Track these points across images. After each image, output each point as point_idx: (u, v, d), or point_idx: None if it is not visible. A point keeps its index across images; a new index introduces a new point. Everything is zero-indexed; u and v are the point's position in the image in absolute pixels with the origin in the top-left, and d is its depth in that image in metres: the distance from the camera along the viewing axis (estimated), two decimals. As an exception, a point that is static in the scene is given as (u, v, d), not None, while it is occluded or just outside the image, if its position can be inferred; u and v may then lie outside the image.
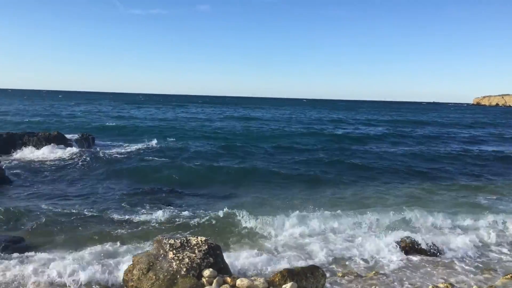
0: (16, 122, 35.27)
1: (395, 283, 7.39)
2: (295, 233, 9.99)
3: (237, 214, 10.64)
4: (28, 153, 18.75)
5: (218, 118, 53.56)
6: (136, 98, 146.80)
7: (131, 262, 7.37)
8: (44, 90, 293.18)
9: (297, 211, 10.94)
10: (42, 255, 7.96)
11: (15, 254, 7.95)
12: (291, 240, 9.50)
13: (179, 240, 6.96)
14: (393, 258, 8.62)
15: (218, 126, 40.13)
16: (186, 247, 6.82)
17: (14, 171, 15.33)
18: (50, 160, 17.84)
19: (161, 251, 6.81)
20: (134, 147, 22.89)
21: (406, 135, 36.11)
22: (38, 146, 19.37)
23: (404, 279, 7.60)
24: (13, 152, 18.77)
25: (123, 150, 21.52)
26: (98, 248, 8.46)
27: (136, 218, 10.52)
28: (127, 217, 10.65)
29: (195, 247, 6.83)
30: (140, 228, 9.86)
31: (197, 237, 7.12)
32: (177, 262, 6.51)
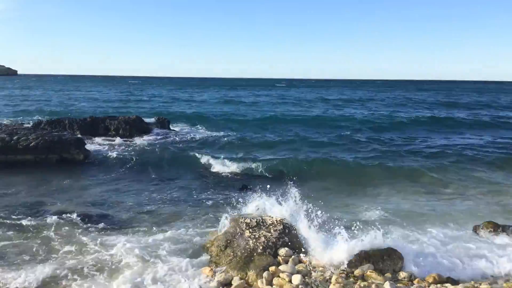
0: (95, 107, 37.64)
1: None
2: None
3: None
4: (110, 136, 19.99)
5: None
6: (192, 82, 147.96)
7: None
8: (118, 76, 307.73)
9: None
10: (134, 230, 8.54)
11: (101, 227, 8.60)
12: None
13: (255, 220, 7.13)
14: None
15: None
16: (262, 227, 6.99)
17: (98, 153, 16.39)
18: (131, 142, 18.85)
19: (238, 230, 7.04)
20: (209, 132, 23.30)
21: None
22: (119, 129, 20.54)
23: None
24: (97, 135, 20.06)
25: (199, 135, 22.06)
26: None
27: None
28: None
29: (271, 226, 6.97)
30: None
31: (272, 217, 7.26)
32: (254, 240, 6.70)
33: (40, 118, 24.02)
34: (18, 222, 8.90)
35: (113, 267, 6.79)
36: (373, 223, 7.15)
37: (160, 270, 6.58)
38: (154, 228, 8.65)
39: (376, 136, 22.45)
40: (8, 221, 8.98)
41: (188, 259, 6.93)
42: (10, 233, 8.31)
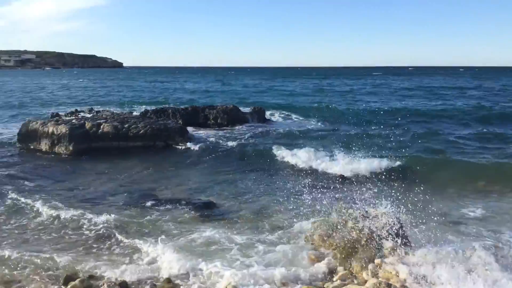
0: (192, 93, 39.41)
1: None
2: None
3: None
4: (209, 125, 20.95)
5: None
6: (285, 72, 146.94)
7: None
8: (214, 67, 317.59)
9: None
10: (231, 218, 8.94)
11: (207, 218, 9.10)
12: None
13: (359, 211, 7.09)
14: None
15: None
16: (366, 218, 6.92)
17: (199, 141, 17.22)
18: (228, 131, 19.56)
19: (341, 220, 7.05)
20: (305, 123, 23.15)
21: None
22: (217, 118, 21.40)
23: None
24: (196, 124, 21.09)
25: (295, 127, 21.88)
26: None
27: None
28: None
29: (375, 218, 6.87)
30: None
31: (376, 209, 7.15)
32: (357, 231, 6.67)
33: (147, 107, 25.65)
34: (137, 203, 9.77)
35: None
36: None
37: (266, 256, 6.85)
38: (256, 216, 8.97)
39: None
40: (123, 203, 9.88)
41: (290, 245, 7.13)
42: (132, 212, 9.15)
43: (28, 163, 13.94)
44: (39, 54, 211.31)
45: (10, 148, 15.92)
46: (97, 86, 58.27)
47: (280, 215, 8.97)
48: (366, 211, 7.11)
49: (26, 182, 11.61)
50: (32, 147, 15.70)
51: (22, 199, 9.92)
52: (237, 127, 20.65)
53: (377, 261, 6.02)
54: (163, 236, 7.73)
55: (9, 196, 10.18)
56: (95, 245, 7.56)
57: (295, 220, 8.47)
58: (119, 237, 7.82)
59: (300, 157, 14.07)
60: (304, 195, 9.20)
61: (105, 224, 8.39)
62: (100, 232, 8.10)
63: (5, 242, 7.61)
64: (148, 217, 8.93)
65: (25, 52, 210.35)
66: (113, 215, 8.84)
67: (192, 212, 9.26)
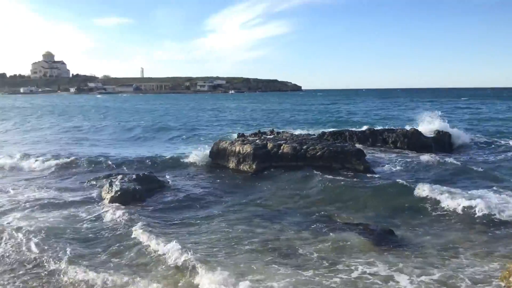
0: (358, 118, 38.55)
1: None
2: None
3: None
4: (388, 149, 20.14)
5: None
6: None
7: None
8: (399, 89, 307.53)
9: None
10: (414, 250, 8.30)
11: (389, 245, 8.61)
12: None
13: None
14: None
15: None
16: None
17: (377, 165, 16.71)
18: (407, 157, 18.48)
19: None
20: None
21: None
22: (396, 142, 20.48)
23: None
24: (374, 147, 20.51)
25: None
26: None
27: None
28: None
29: None
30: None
31: None
32: None
33: (323, 130, 26.04)
34: (313, 226, 9.86)
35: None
36: None
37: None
38: (442, 253, 8.17)
39: None
40: (299, 222, 10.05)
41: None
42: (307, 234, 9.26)
43: (217, 177, 15.49)
44: (229, 79, 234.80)
45: (203, 163, 17.81)
46: (275, 109, 61.80)
47: (469, 252, 8.00)
48: None
49: (217, 192, 12.85)
50: (221, 164, 17.30)
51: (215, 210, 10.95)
52: (417, 154, 19.00)
53: None
54: (339, 266, 7.58)
55: (205, 200, 11.36)
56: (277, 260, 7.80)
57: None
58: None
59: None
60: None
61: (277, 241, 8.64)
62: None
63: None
64: (322, 238, 8.90)
65: (217, 78, 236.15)
66: (291, 232, 9.05)
67: (370, 239, 8.89)
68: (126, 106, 79.32)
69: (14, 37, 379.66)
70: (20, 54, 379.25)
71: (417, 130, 21.60)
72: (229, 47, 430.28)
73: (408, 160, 17.76)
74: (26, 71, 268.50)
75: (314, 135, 23.54)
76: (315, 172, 15.14)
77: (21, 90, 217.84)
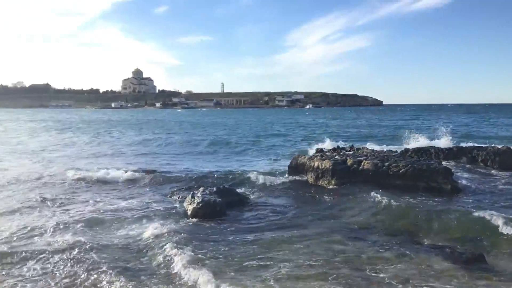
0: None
1: None
2: None
3: None
4: (477, 168, 18.88)
5: None
6: None
7: None
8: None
9: None
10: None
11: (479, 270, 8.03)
12: None
13: None
14: None
15: None
16: None
17: (467, 185, 15.73)
18: (500, 176, 17.22)
19: None
20: None
21: None
22: (486, 161, 19.18)
23: None
24: (461, 164, 19.37)
25: None
26: None
27: None
28: None
29: None
30: None
31: None
32: None
33: (407, 147, 25.07)
34: (395, 246, 9.48)
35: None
36: None
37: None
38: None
39: None
40: (381, 242, 9.70)
41: None
42: (388, 254, 8.93)
43: (296, 192, 15.50)
44: (307, 94, 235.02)
45: (281, 177, 17.88)
46: (352, 123, 60.62)
47: None
48: None
49: (295, 208, 12.83)
50: (299, 178, 17.26)
51: (294, 226, 10.93)
52: (510, 174, 17.68)
53: None
54: None
55: (284, 215, 11.35)
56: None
57: None
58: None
59: None
60: None
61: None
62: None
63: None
64: (406, 259, 8.51)
65: (295, 93, 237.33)
66: (372, 251, 8.77)
67: (458, 263, 8.35)
68: (205, 120, 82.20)
69: (107, 56, 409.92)
70: (112, 71, 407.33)
71: (510, 149, 20.07)
72: (308, 62, 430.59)
73: (499, 180, 16.56)
74: (117, 87, 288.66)
75: (396, 151, 22.74)
76: (398, 190, 14.58)
77: (112, 104, 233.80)
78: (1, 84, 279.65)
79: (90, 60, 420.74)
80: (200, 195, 12.74)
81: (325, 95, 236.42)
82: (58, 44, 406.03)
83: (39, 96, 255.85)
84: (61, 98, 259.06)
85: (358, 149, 24.41)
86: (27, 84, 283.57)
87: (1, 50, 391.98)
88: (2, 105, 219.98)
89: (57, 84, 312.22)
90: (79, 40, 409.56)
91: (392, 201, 13.38)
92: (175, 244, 9.44)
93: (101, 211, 12.82)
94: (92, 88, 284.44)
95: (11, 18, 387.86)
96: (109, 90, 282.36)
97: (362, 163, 16.38)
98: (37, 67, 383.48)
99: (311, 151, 23.11)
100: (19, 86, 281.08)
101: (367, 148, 23.82)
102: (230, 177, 18.17)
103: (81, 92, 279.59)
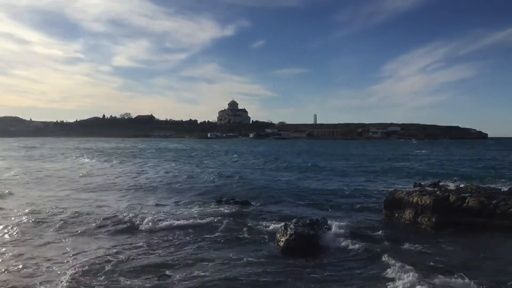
0: None
1: None
2: None
3: None
4: None
5: None
6: None
7: None
8: None
9: None
10: None
11: None
12: None
13: None
14: None
15: None
16: None
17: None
18: None
19: None
20: None
21: None
22: None
23: None
24: None
25: None
26: None
27: None
28: None
29: None
30: None
31: None
32: None
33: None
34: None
35: None
36: None
37: None
38: None
39: None
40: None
41: None
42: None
43: (391, 230, 14.71)
44: (404, 126, 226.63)
45: (376, 213, 17.25)
46: (456, 158, 56.92)
47: None
48: None
49: (391, 248, 12.22)
50: (396, 215, 16.47)
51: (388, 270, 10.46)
52: None
53: None
54: None
55: (378, 256, 10.93)
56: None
57: None
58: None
59: None
60: None
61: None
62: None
63: None
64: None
65: (391, 124, 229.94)
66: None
67: None
68: (296, 150, 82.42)
69: (205, 88, 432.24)
70: (209, 103, 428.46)
71: None
72: (405, 93, 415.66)
73: None
74: (213, 118, 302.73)
75: (503, 189, 20.91)
76: (507, 231, 13.33)
77: (208, 135, 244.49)
78: (111, 115, 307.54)
79: (189, 93, 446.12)
80: (293, 227, 12.71)
81: (424, 127, 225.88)
82: (163, 78, 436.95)
83: (144, 126, 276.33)
84: (162, 128, 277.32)
85: (461, 185, 22.91)
86: (133, 116, 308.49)
87: (110, 84, 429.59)
88: (112, 134, 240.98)
89: (160, 115, 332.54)
90: (180, 74, 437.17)
91: (501, 245, 12.38)
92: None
93: (201, 238, 13.32)
94: (190, 119, 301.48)
95: (125, 56, 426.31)
96: (206, 121, 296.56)
97: (466, 200, 15.26)
98: (142, 100, 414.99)
99: (409, 187, 22.11)
100: (126, 117, 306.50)
101: (472, 185, 22.24)
102: (324, 206, 18.04)
103: (180, 123, 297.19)
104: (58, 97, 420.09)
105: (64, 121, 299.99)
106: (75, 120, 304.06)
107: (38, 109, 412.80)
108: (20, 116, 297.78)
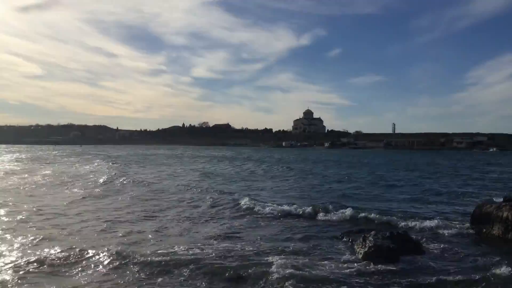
0: None
1: None
2: None
3: None
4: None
5: None
6: None
7: None
8: None
9: None
10: None
11: None
12: None
13: None
14: None
15: None
16: None
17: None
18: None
19: None
20: None
21: None
22: None
23: None
24: None
25: None
26: None
27: None
28: None
29: None
30: None
31: None
32: None
33: None
34: None
35: None
36: None
37: None
38: None
39: None
40: None
41: None
42: None
43: (479, 247, 13.94)
44: (490, 136, 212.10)
45: (461, 228, 16.33)
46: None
47: None
48: None
49: (478, 266, 11.53)
50: (484, 230, 15.46)
51: None
52: None
53: None
54: None
55: (463, 272, 10.33)
56: None
57: None
58: None
59: None
60: None
61: None
62: None
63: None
64: None
65: (477, 134, 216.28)
66: None
67: None
68: (380, 161, 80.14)
69: (281, 98, 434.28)
70: (284, 112, 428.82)
71: None
72: (493, 100, 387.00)
73: None
74: (288, 126, 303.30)
75: None
76: None
77: (283, 144, 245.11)
78: (190, 124, 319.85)
79: (264, 102, 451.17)
80: (373, 239, 12.44)
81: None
82: (239, 88, 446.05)
83: (221, 135, 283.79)
84: (238, 137, 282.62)
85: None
86: (211, 124, 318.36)
87: (190, 94, 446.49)
88: (191, 142, 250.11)
89: (236, 124, 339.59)
90: (256, 84, 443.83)
91: None
92: None
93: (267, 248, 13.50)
94: (266, 128, 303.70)
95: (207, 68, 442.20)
96: (281, 130, 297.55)
97: None
98: (219, 109, 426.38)
99: (498, 200, 20.67)
100: (204, 126, 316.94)
101: None
102: (402, 220, 17.40)
103: (256, 131, 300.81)
104: (143, 107, 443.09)
105: (148, 129, 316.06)
106: (157, 128, 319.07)
107: (124, 118, 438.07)
108: (107, 125, 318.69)
